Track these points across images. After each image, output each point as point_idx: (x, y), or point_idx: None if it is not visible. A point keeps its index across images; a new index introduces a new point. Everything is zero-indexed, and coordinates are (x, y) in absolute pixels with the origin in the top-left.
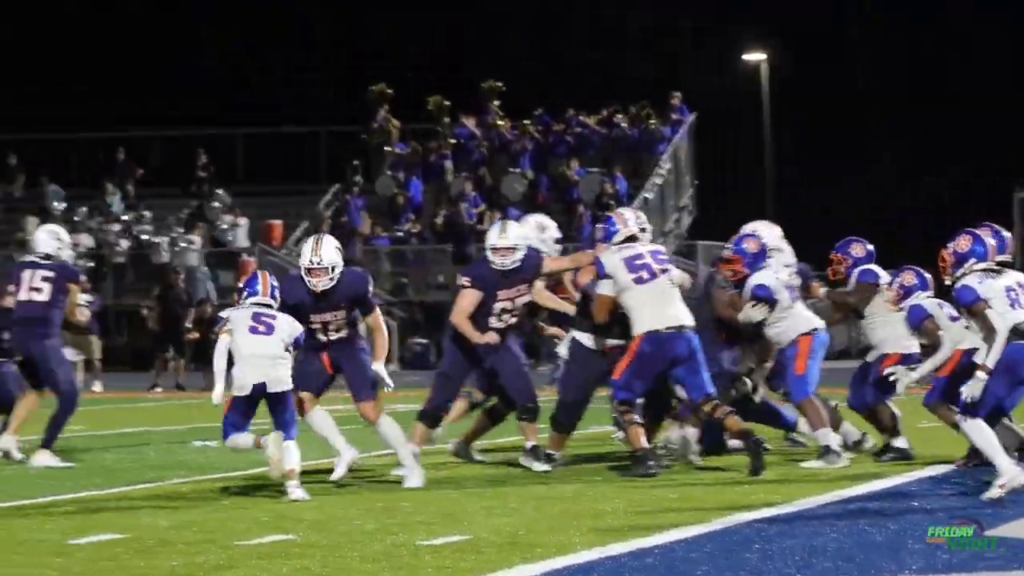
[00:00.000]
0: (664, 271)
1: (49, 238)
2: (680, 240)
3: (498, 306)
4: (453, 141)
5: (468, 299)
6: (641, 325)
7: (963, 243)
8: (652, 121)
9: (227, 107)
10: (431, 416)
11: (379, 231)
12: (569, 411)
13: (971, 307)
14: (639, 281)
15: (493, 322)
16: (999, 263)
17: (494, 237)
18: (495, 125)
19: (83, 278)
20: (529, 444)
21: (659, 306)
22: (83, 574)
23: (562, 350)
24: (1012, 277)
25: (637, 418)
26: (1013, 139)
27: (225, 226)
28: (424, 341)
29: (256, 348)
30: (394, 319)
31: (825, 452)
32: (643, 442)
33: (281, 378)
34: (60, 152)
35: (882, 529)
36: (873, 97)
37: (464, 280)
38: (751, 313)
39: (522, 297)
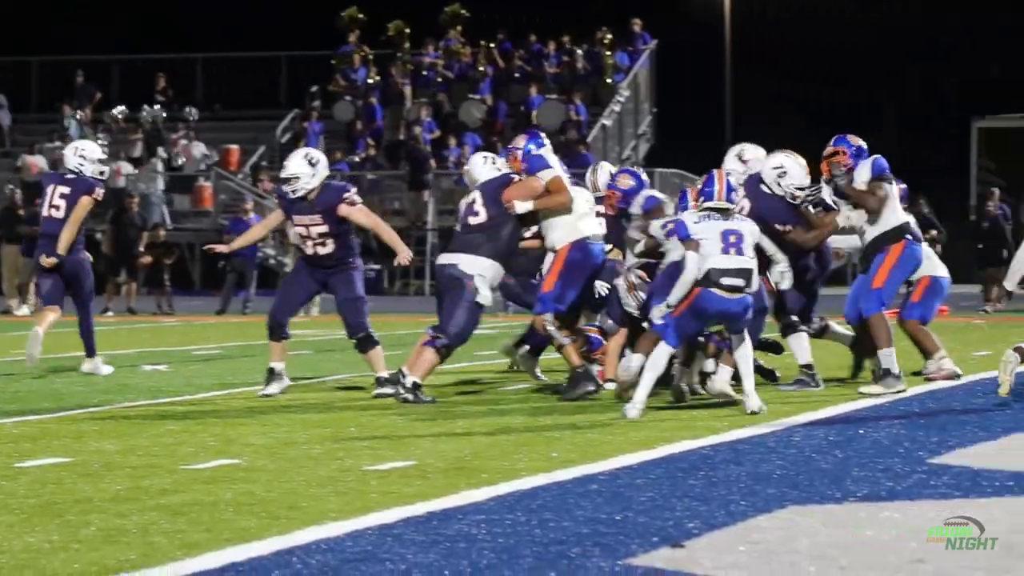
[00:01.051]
0: None
1: (72, 155)
2: (637, 167)
3: (297, 230)
4: (412, 67)
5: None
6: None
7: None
8: (608, 54)
9: (186, 32)
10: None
11: (338, 156)
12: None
13: None
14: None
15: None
16: None
17: (288, 169)
18: (456, 52)
19: (100, 190)
20: (380, 374)
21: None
22: (28, 497)
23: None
24: None
25: (566, 339)
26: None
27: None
28: (377, 267)
29: None
30: None
31: (884, 375)
32: (577, 360)
33: None
34: (19, 75)
35: (828, 456)
36: (830, 21)
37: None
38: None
39: (317, 227)
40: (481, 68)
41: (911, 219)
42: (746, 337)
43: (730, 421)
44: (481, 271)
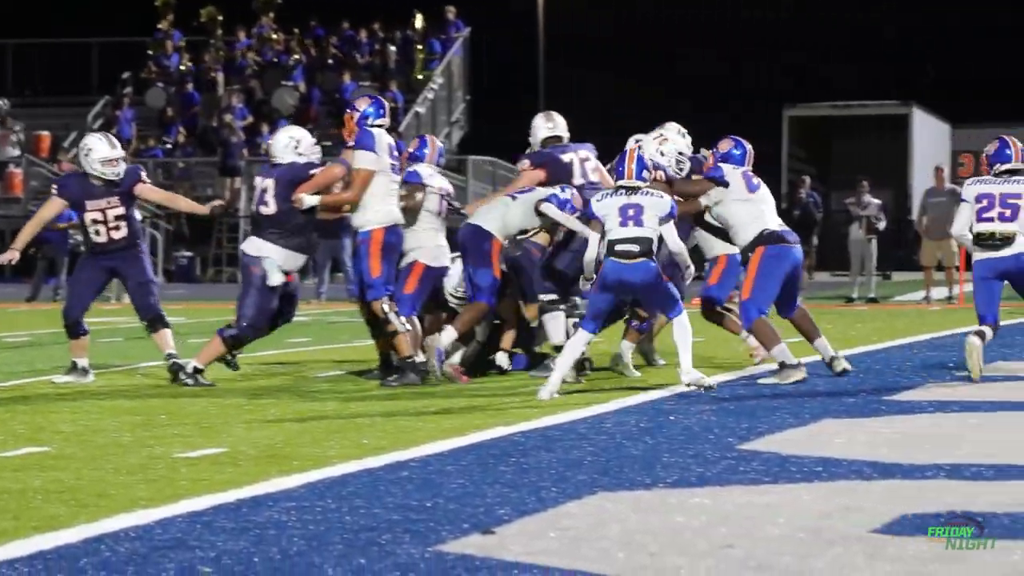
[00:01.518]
0: None
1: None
2: (450, 155)
3: (88, 216)
4: (225, 54)
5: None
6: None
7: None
8: (418, 46)
9: None
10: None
11: (151, 143)
12: None
13: None
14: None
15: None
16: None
17: (106, 150)
18: (268, 39)
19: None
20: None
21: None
22: None
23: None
24: None
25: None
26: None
27: None
28: (189, 254)
29: None
30: (160, 232)
31: (781, 368)
32: (407, 350)
33: None
34: None
35: (638, 443)
36: (643, 10)
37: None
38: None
39: (115, 209)
40: (296, 56)
41: (772, 224)
42: (676, 313)
43: (541, 409)
44: (268, 253)
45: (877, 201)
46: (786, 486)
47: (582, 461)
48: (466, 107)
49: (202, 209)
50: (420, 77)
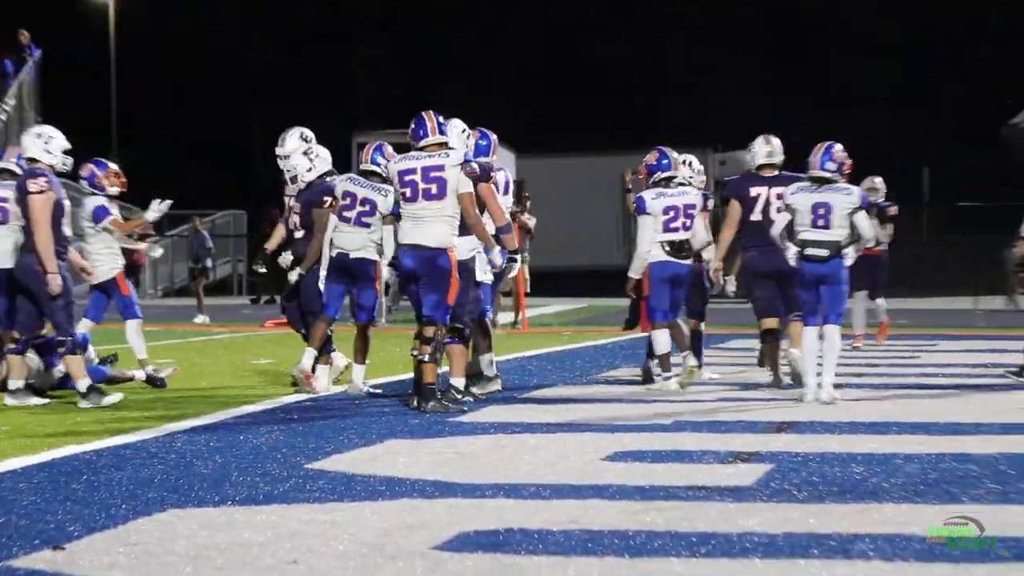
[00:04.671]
0: None
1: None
2: None
3: None
4: None
5: None
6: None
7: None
8: None
9: None
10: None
11: None
12: None
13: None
14: None
15: None
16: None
17: None
18: None
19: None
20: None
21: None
22: None
23: None
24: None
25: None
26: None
27: None
28: None
29: None
30: None
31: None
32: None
33: None
34: None
35: (208, 461)
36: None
37: None
38: None
39: None
40: None
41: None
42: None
43: (113, 427)
44: None
45: None
46: (351, 504)
47: (152, 479)
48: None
49: None
50: None
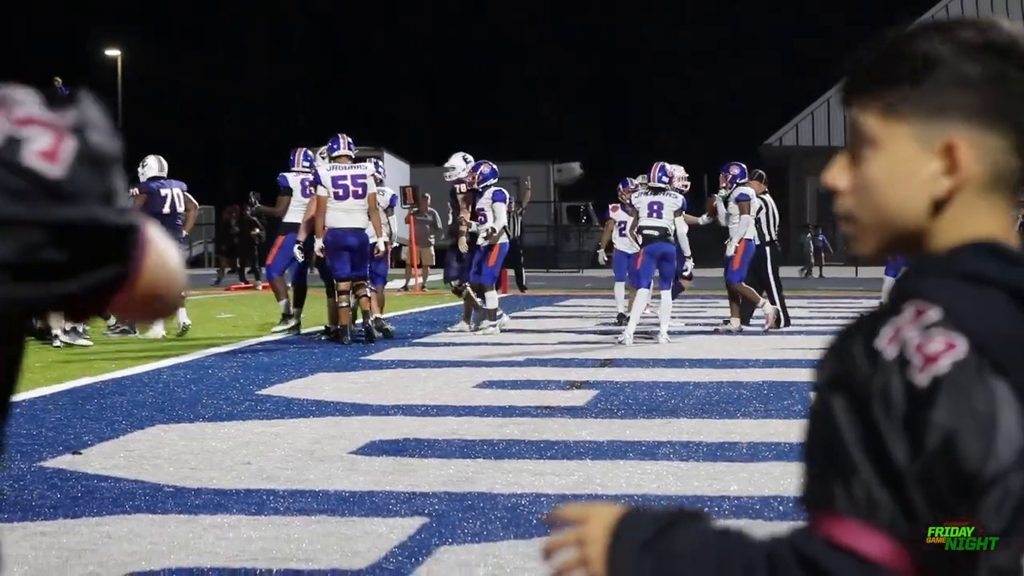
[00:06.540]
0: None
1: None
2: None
3: None
4: None
5: None
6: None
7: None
8: None
9: None
10: None
11: None
12: None
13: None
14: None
15: None
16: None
17: None
18: None
19: None
20: None
21: None
22: None
23: None
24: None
25: None
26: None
27: None
28: None
29: None
30: None
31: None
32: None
33: None
34: None
35: (185, 389)
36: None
37: None
38: None
39: None
40: None
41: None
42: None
43: (118, 363)
44: None
45: None
46: (290, 420)
47: (145, 402)
48: None
49: None
50: None
